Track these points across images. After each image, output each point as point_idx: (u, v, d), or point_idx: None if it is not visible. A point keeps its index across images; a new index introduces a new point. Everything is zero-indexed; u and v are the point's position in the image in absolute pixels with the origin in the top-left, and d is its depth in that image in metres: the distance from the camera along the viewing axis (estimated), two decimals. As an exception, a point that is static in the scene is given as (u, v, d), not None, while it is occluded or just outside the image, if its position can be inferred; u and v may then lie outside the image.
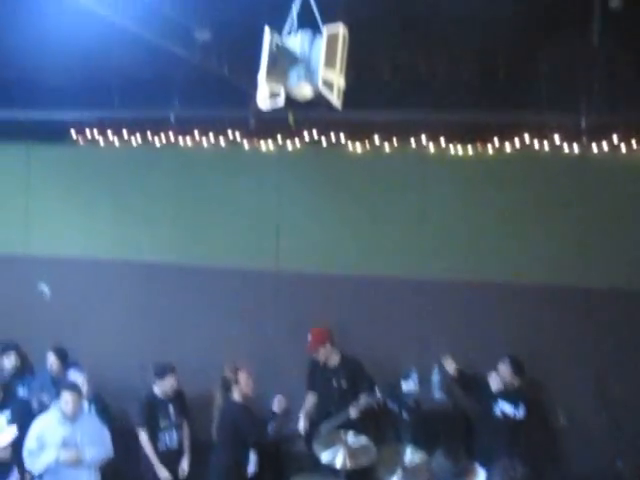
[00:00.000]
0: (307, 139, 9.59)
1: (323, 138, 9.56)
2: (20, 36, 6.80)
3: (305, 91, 3.51)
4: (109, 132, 10.10)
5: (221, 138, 9.82)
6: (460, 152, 9.17)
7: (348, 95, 3.78)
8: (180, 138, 9.91)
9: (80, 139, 10.20)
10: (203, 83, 8.21)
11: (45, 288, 9.84)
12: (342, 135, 9.50)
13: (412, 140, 9.31)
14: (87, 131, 10.13)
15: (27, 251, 10.20)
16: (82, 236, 10.10)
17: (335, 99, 3.54)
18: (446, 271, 9.03)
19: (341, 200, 9.47)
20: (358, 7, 5.67)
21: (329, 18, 3.63)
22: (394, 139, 9.41)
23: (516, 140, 8.91)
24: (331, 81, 3.48)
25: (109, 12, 5.25)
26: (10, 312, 9.70)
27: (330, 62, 3.46)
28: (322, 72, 3.43)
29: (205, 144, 9.89)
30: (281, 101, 3.63)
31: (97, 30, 6.07)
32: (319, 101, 3.66)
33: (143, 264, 9.83)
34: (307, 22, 3.58)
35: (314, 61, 3.46)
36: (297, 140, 9.62)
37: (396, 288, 9.13)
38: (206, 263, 9.73)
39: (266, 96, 3.56)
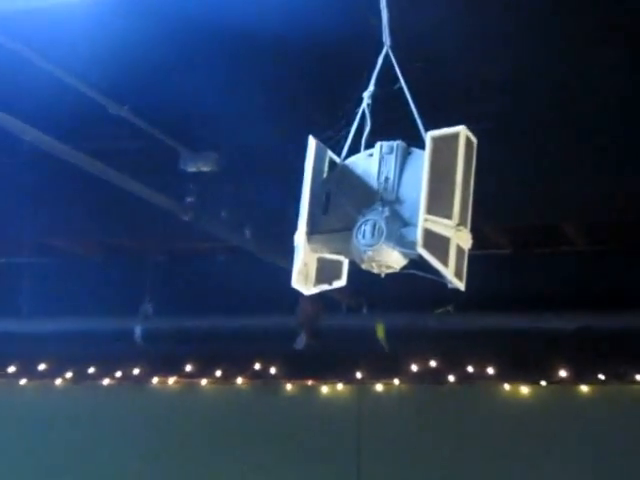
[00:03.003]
0: (415, 373, 6.08)
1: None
2: None
3: (390, 259, 2.06)
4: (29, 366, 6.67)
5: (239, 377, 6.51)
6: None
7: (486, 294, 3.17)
8: (152, 376, 6.63)
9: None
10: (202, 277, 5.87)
11: None
12: (471, 364, 5.94)
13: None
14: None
15: None
16: None
17: (452, 276, 1.96)
18: None
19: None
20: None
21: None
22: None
23: None
24: (444, 237, 1.98)
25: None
26: None
27: (439, 202, 1.97)
28: (424, 221, 1.97)
29: (205, 384, 6.60)
30: (341, 280, 2.22)
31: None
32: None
33: None
34: (393, 129, 2.15)
35: (408, 200, 2.04)
36: (396, 377, 6.27)
37: None
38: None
39: (310, 270, 2.12)
